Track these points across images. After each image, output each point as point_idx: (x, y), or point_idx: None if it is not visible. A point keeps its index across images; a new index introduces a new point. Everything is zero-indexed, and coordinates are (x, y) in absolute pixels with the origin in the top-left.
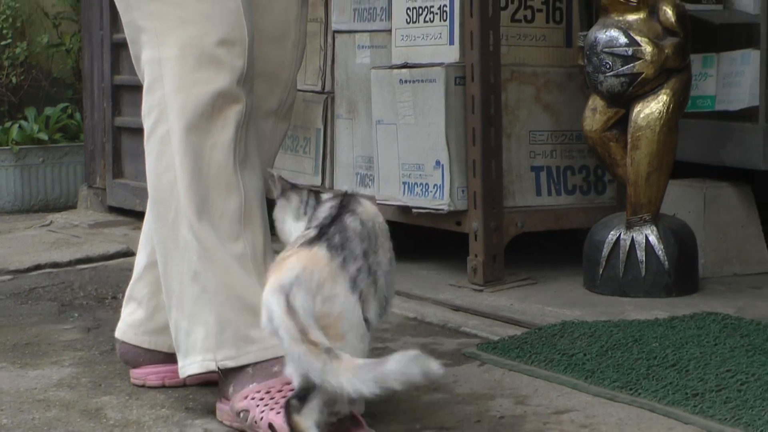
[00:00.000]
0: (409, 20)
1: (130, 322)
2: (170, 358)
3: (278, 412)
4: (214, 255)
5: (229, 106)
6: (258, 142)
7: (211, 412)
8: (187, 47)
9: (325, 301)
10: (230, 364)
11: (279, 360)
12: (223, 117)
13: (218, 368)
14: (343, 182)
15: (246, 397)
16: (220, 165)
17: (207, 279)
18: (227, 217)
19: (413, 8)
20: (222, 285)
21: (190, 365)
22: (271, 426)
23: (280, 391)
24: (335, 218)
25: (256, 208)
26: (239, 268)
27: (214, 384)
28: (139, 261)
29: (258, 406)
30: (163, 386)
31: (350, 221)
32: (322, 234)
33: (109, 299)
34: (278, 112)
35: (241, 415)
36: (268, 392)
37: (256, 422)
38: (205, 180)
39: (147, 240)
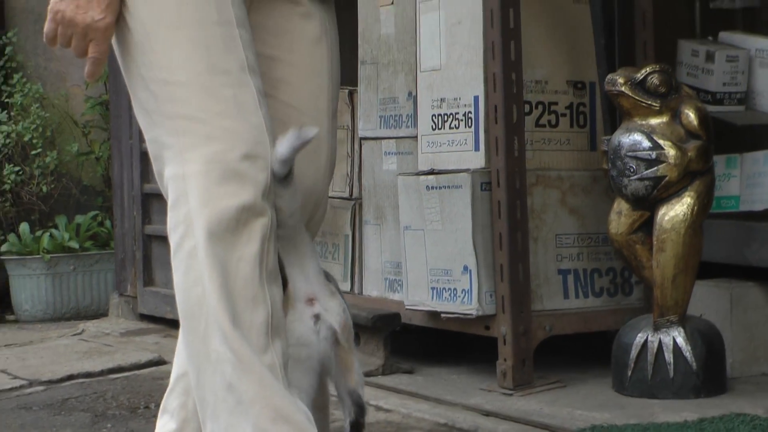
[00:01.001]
0: (434, 127)
1: None
2: None
3: None
4: (248, 366)
5: (254, 220)
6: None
7: None
8: (211, 163)
9: None
10: None
11: None
12: (248, 230)
13: None
14: (373, 288)
15: None
16: (246, 278)
17: (242, 390)
18: (255, 329)
19: (438, 115)
20: (257, 395)
21: None
22: None
23: None
24: None
25: (281, 319)
26: (272, 378)
27: None
28: (172, 373)
29: None
30: None
31: None
32: None
33: (141, 409)
34: (310, 228)
35: None
36: None
37: None
38: (233, 293)
39: (178, 353)
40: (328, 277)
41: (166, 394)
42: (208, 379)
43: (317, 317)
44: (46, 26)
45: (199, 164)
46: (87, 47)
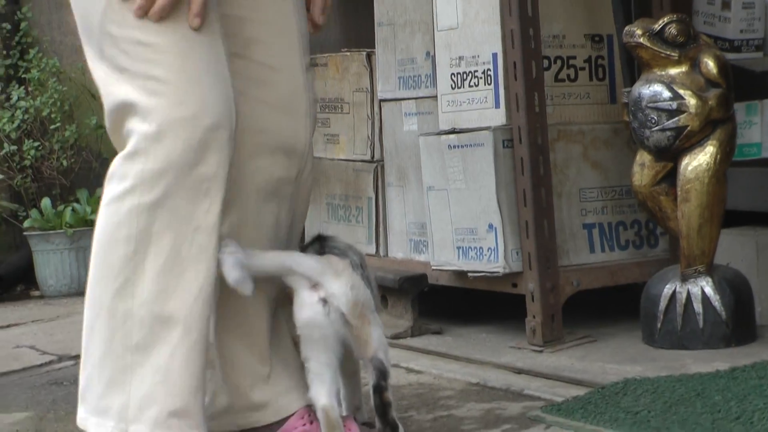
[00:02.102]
0: (454, 86)
1: None
2: None
3: None
4: (168, 338)
5: (215, 190)
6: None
7: None
8: (179, 128)
9: None
10: None
11: None
12: (209, 200)
13: None
14: (398, 249)
15: None
16: (201, 248)
17: (150, 356)
18: (199, 300)
19: (458, 74)
20: (163, 367)
21: (96, 426)
22: None
23: None
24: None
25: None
26: (187, 355)
27: None
28: None
29: None
30: None
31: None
32: None
33: None
34: (298, 179)
35: None
36: None
37: None
38: (183, 263)
39: None
40: (343, 252)
41: None
42: (105, 330)
43: (324, 301)
44: None
45: (167, 127)
46: None
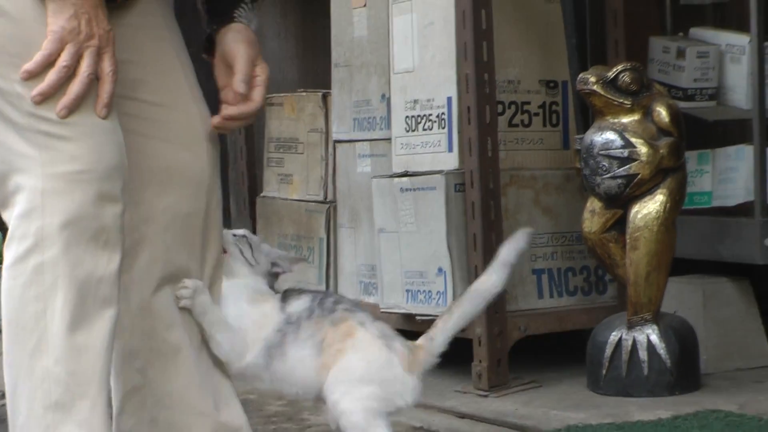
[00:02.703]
0: (408, 128)
1: None
2: None
3: None
4: (86, 393)
5: (114, 241)
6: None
7: None
8: (73, 182)
9: None
10: None
11: None
12: (109, 252)
13: None
14: (347, 291)
15: None
16: (105, 299)
17: (71, 413)
18: (109, 350)
19: (412, 116)
20: (86, 422)
21: None
22: None
23: None
24: None
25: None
26: (104, 408)
27: None
28: (116, 393)
29: None
30: None
31: None
32: None
33: None
34: (208, 211)
35: None
36: None
37: None
38: (89, 317)
39: (117, 371)
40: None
41: (115, 416)
42: (26, 391)
43: None
44: (47, 47)
45: (61, 182)
46: (101, 62)
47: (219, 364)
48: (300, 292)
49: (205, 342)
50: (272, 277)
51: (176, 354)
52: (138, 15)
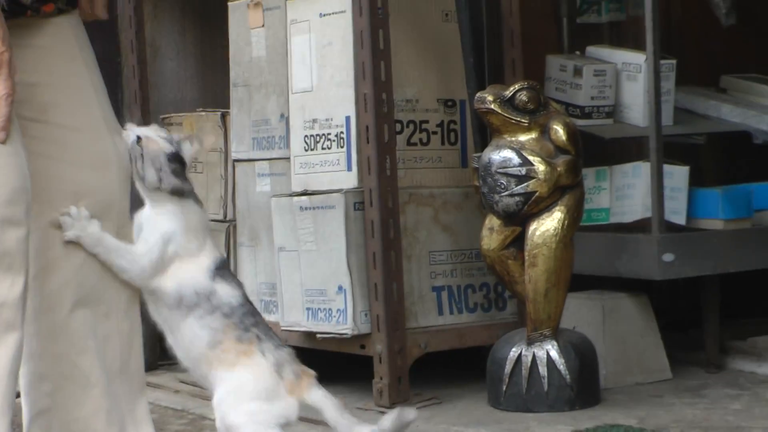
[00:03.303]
0: (307, 148)
1: None
2: None
3: None
4: None
5: (17, 265)
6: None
7: None
8: None
9: None
10: None
11: None
12: (12, 275)
13: None
14: None
15: None
16: (8, 323)
17: None
18: (12, 374)
19: (311, 136)
20: None
21: None
22: None
23: None
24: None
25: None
26: (6, 424)
27: None
28: (25, 414)
29: None
30: None
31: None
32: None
33: None
34: (120, 234)
35: None
36: None
37: None
38: None
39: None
40: None
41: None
42: None
43: None
44: None
45: None
46: None
47: (134, 385)
48: (235, 283)
49: (124, 364)
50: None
51: (86, 380)
52: (49, 36)
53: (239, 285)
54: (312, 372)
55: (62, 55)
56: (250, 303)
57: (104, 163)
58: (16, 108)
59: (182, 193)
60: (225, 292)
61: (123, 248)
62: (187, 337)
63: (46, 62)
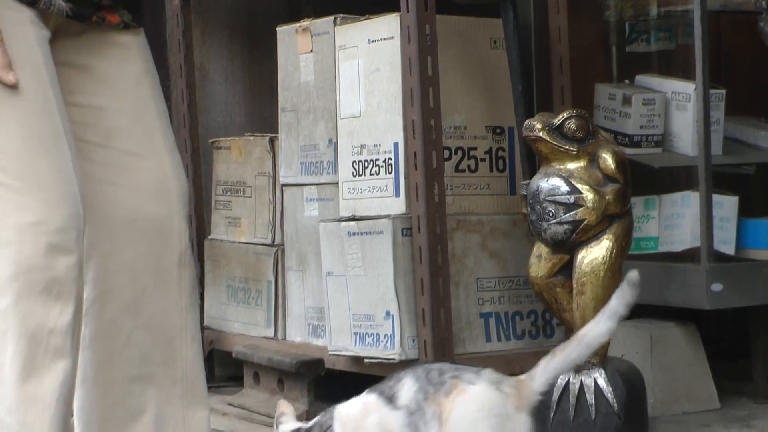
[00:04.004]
0: (355, 173)
1: None
2: None
3: None
4: None
5: (67, 293)
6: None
7: None
8: (24, 234)
9: None
10: None
11: None
12: (61, 303)
13: None
14: (296, 333)
15: None
16: (57, 351)
17: None
18: (60, 402)
19: (359, 161)
20: None
21: None
22: None
23: None
24: None
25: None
26: None
27: None
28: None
29: None
30: None
31: None
32: None
33: None
34: (180, 263)
35: None
36: None
37: None
38: (39, 368)
39: (79, 418)
40: None
41: None
42: None
43: None
44: None
45: (11, 234)
46: None
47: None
48: (392, 382)
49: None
50: None
51: (137, 407)
52: (116, 59)
53: (386, 382)
54: (526, 380)
55: (129, 79)
56: (413, 369)
57: (165, 190)
58: (80, 132)
59: None
60: (404, 395)
61: None
62: None
63: (114, 86)
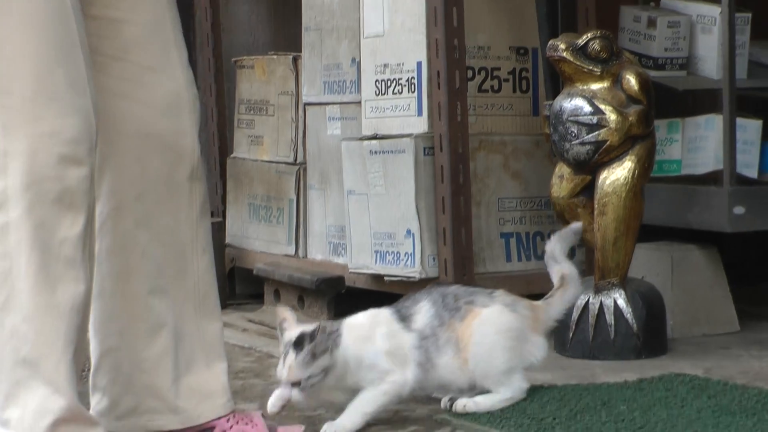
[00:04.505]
0: (378, 92)
1: (99, 411)
2: None
3: None
4: (52, 352)
5: (79, 203)
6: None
7: None
8: (37, 143)
9: None
10: None
11: None
12: (73, 213)
13: None
14: (317, 251)
15: None
16: (68, 260)
17: (38, 370)
18: (66, 312)
19: (382, 80)
20: (51, 380)
21: None
22: None
23: None
24: None
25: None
26: (69, 366)
27: None
28: (94, 351)
29: None
30: None
31: None
32: None
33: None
34: (192, 177)
35: None
36: None
37: None
38: (52, 276)
39: (96, 330)
40: None
41: (92, 372)
42: None
43: None
44: None
45: (24, 144)
46: None
47: (212, 318)
48: (408, 303)
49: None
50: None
51: (156, 320)
52: None
53: (406, 302)
54: (543, 306)
55: None
56: (431, 292)
57: (179, 106)
58: (97, 44)
59: None
60: (420, 319)
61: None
62: (441, 375)
63: None
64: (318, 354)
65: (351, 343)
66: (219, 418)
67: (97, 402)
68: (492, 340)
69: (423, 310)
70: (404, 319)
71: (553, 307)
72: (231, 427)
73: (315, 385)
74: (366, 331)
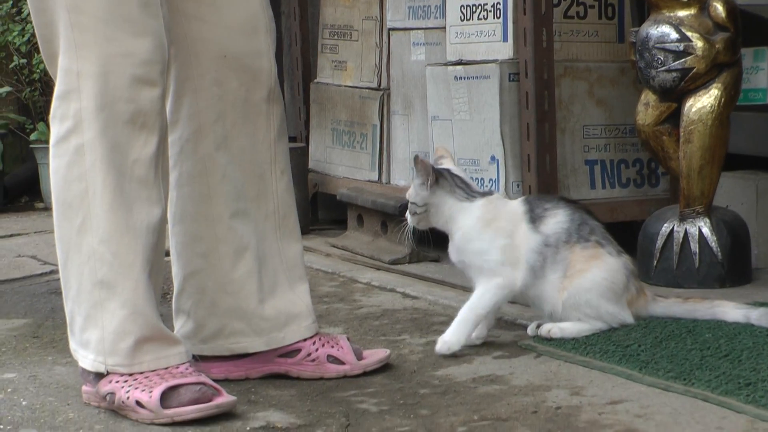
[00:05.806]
0: (463, 18)
1: (183, 334)
2: (231, 357)
3: (143, 390)
4: (127, 272)
5: (151, 124)
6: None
7: (272, 405)
8: (109, 65)
9: None
10: (121, 370)
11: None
12: (145, 134)
13: (107, 371)
14: (400, 177)
15: (110, 381)
16: (141, 180)
17: (115, 292)
18: (143, 233)
19: (467, 6)
20: (129, 301)
21: (83, 358)
22: (138, 402)
23: (142, 374)
24: None
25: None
26: (147, 286)
27: (276, 377)
28: (177, 274)
29: (123, 387)
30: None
31: None
32: None
33: (169, 295)
34: (269, 98)
35: (108, 397)
36: (131, 375)
37: (123, 402)
38: (127, 195)
39: (179, 253)
40: None
41: (174, 296)
42: (75, 266)
43: None
44: None
45: (96, 65)
46: None
47: (292, 240)
48: (548, 205)
49: (280, 221)
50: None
51: (240, 242)
52: None
53: (546, 205)
54: (649, 295)
55: None
56: (573, 209)
57: (255, 27)
58: None
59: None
60: (552, 225)
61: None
62: (544, 290)
63: None
64: (418, 189)
65: (474, 213)
66: (305, 339)
67: (181, 325)
68: (597, 286)
69: (558, 218)
70: (535, 219)
71: (658, 303)
72: (317, 349)
73: (419, 214)
74: (497, 206)
